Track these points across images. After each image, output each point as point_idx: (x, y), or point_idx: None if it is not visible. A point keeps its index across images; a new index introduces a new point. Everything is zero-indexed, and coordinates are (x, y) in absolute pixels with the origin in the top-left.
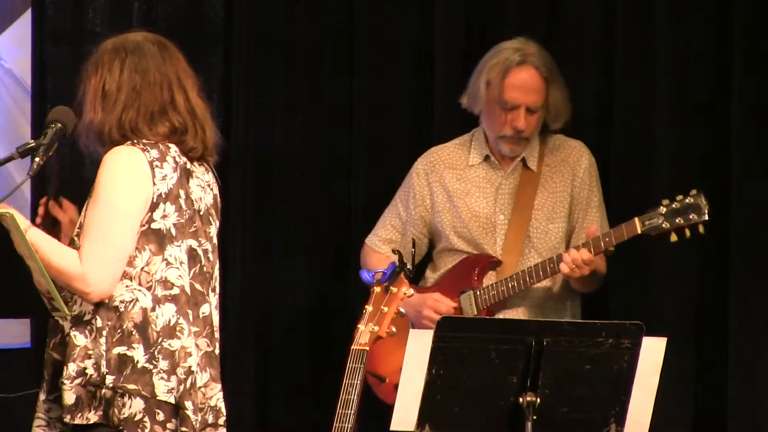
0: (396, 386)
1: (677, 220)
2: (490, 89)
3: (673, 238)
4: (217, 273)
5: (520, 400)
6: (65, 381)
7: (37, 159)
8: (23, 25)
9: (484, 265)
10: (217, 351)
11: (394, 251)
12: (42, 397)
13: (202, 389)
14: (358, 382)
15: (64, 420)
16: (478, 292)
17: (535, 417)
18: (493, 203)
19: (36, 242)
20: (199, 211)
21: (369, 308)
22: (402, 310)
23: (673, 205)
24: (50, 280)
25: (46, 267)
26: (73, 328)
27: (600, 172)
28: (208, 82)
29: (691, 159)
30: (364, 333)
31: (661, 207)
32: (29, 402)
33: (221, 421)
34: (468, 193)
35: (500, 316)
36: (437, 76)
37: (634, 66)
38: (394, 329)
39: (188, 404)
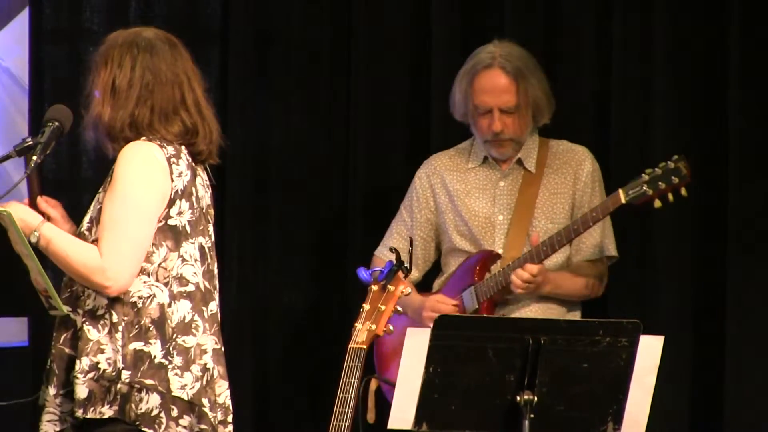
0: None
1: (659, 185)
2: (465, 98)
3: (657, 204)
4: (216, 270)
5: (518, 398)
6: (78, 375)
7: (34, 157)
8: (21, 24)
9: (485, 260)
10: (223, 348)
11: (391, 249)
12: (53, 391)
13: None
14: (356, 380)
15: (76, 414)
16: (479, 285)
17: (532, 415)
18: (492, 204)
19: (52, 237)
20: (203, 209)
21: (366, 307)
22: (399, 308)
23: (656, 172)
24: (48, 279)
25: (64, 262)
26: (87, 323)
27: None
28: (205, 81)
29: (690, 159)
30: (361, 331)
31: (644, 175)
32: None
33: (230, 418)
34: (468, 193)
35: (503, 312)
36: (435, 76)
37: (634, 66)
38: (391, 327)
39: (205, 401)
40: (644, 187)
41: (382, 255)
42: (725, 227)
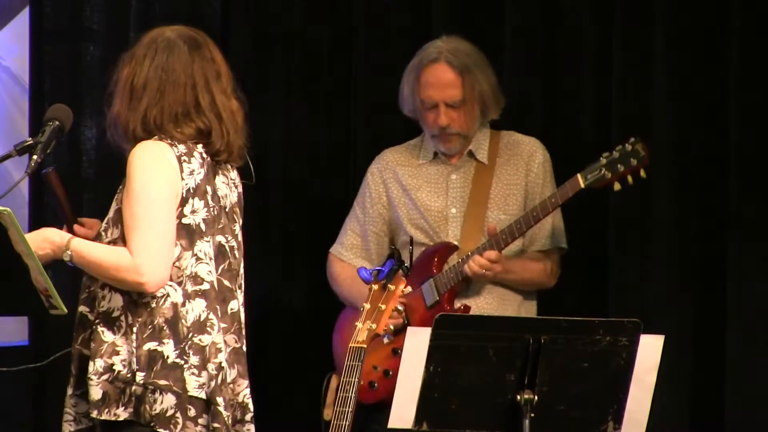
0: (370, 384)
1: (618, 167)
2: (412, 93)
3: (617, 187)
4: (242, 270)
5: (518, 397)
6: (92, 376)
7: (35, 157)
8: (21, 23)
9: (443, 252)
10: (244, 347)
11: (391, 248)
12: (69, 391)
13: (231, 385)
14: (356, 379)
15: (91, 415)
16: (438, 277)
17: (532, 415)
18: (445, 197)
19: (83, 250)
20: (225, 207)
21: (367, 306)
22: (400, 307)
23: (613, 155)
24: (48, 278)
25: (98, 269)
26: (101, 324)
27: None
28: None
29: (690, 159)
30: (361, 331)
31: (602, 159)
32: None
33: (248, 417)
34: (420, 188)
35: (461, 302)
36: None
37: (634, 66)
38: (392, 327)
39: (219, 400)
40: (603, 171)
41: (338, 253)
42: (725, 227)
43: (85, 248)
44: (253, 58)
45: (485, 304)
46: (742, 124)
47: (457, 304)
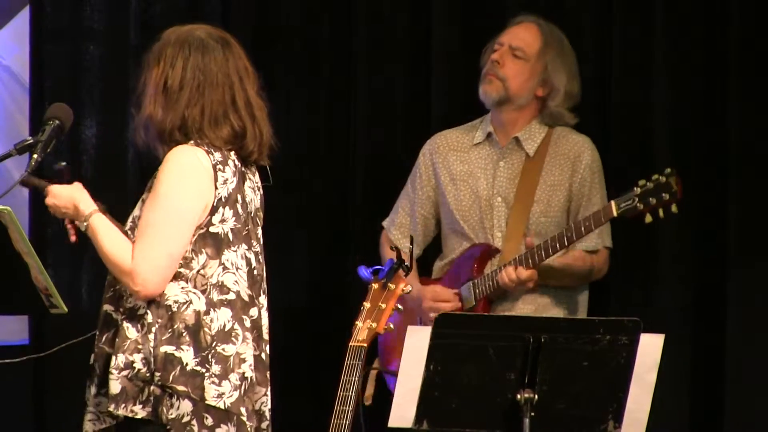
0: None
1: (650, 200)
2: (490, 45)
3: (648, 219)
4: (265, 274)
5: (518, 396)
6: (113, 371)
7: (35, 156)
8: (21, 22)
9: (483, 254)
10: (264, 354)
11: (391, 248)
12: (93, 390)
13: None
14: (356, 378)
15: (109, 409)
16: (477, 281)
17: (532, 414)
18: (492, 185)
19: (99, 230)
20: (251, 213)
21: (367, 305)
22: (400, 306)
23: (647, 186)
24: (48, 277)
25: (103, 257)
26: (126, 320)
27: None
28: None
29: (690, 159)
30: (361, 330)
31: (636, 188)
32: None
33: (264, 425)
34: (470, 174)
35: (500, 308)
36: (435, 74)
37: (634, 65)
38: (392, 326)
39: (243, 410)
40: (635, 201)
41: (388, 229)
42: (725, 227)
43: (102, 229)
44: (252, 58)
45: (525, 311)
46: (742, 124)
47: (495, 310)
